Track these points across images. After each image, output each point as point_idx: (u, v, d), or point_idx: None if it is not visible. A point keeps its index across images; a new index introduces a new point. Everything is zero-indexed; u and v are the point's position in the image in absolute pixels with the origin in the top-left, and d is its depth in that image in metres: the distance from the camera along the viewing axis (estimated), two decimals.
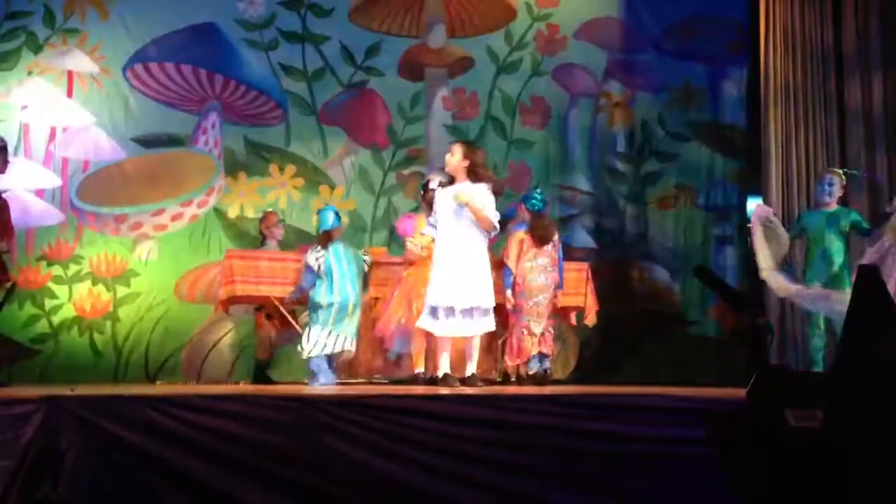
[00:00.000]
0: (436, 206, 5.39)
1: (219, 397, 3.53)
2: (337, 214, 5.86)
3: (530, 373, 5.87)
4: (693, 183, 8.18)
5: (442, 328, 5.19)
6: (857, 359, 2.63)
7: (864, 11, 7.27)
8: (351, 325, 5.61)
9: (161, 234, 7.32)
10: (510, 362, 5.94)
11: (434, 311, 5.18)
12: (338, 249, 5.70)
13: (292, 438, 3.36)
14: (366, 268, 5.89)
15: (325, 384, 5.53)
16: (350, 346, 5.62)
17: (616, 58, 8.29)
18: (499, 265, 5.97)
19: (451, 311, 5.14)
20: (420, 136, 7.94)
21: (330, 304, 5.57)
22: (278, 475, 3.31)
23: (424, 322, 5.24)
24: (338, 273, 5.63)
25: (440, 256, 5.24)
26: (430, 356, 5.66)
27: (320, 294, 5.60)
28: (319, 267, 5.62)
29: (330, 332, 5.57)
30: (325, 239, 5.71)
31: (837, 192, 5.86)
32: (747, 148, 8.04)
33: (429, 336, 5.49)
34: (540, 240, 5.92)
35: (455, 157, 5.31)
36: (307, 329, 5.64)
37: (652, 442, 3.43)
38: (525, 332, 5.81)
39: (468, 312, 5.15)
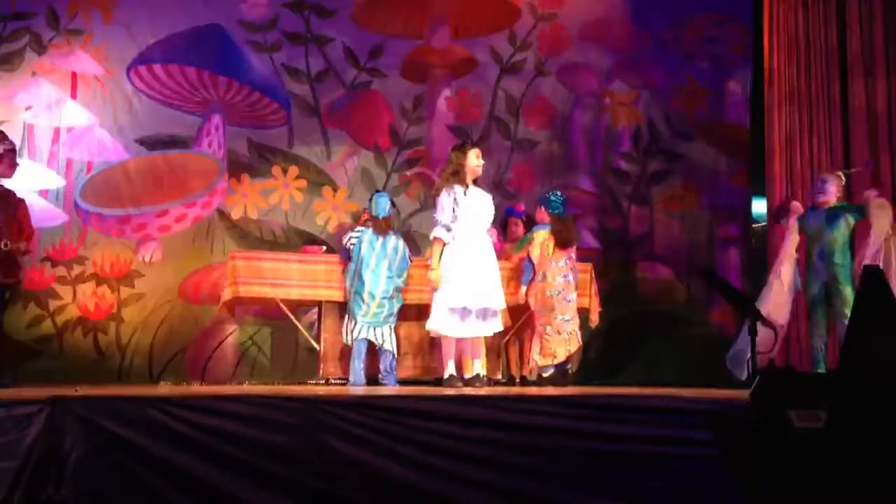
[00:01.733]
0: (444, 205, 5.31)
1: (222, 398, 3.52)
2: (392, 202, 5.92)
3: (545, 375, 5.87)
4: (698, 183, 8.17)
5: (463, 329, 5.20)
6: (861, 360, 2.62)
7: (869, 13, 7.25)
8: (369, 316, 5.61)
9: (165, 236, 7.33)
10: (540, 361, 5.88)
11: (458, 312, 5.17)
12: (375, 238, 5.72)
13: (295, 439, 3.36)
14: (409, 260, 5.88)
15: (353, 382, 5.57)
16: (370, 336, 5.63)
17: (620, 57, 8.28)
18: (517, 265, 6.01)
19: (471, 311, 5.16)
20: (423, 137, 7.94)
21: (349, 290, 5.66)
22: (281, 476, 3.31)
23: (444, 324, 5.22)
24: (373, 262, 5.65)
25: (462, 257, 5.21)
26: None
27: (346, 276, 5.75)
28: (350, 246, 5.74)
29: (347, 320, 5.66)
30: (383, 226, 5.76)
31: (833, 190, 5.82)
32: (752, 148, 8.03)
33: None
34: (565, 242, 5.94)
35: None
36: None
37: (656, 443, 3.43)
38: (558, 332, 5.80)
39: (484, 313, 5.18)
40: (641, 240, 8.13)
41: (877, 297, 2.65)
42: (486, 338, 5.43)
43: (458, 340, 5.32)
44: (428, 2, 8.07)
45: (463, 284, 5.14)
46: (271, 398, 3.50)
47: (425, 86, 8.02)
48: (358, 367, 5.62)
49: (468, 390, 4.79)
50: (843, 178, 5.94)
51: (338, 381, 5.93)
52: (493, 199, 5.63)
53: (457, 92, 8.05)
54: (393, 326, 5.75)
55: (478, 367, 5.35)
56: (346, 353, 5.83)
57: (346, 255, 5.85)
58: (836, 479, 2.60)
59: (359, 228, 5.90)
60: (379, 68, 7.89)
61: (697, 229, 8.12)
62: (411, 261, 5.92)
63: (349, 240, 5.80)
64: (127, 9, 7.43)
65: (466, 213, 5.28)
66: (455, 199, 5.27)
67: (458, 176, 5.32)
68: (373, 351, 5.77)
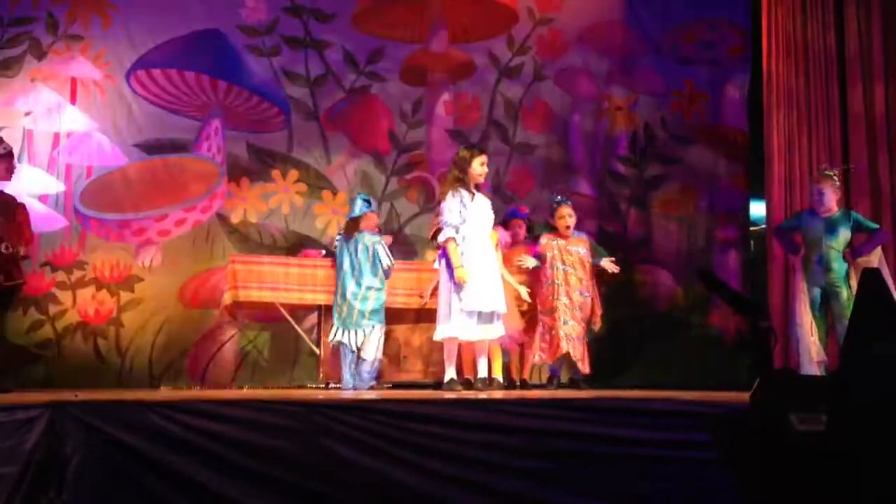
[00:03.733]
0: (452, 206, 5.29)
1: (222, 402, 3.53)
2: (367, 201, 5.95)
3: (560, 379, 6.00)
4: (696, 186, 8.18)
5: (475, 332, 5.22)
6: (861, 361, 2.62)
7: (866, 15, 7.25)
8: (342, 318, 5.66)
9: (164, 240, 7.33)
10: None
11: (473, 316, 5.19)
12: (353, 240, 5.77)
13: (295, 443, 3.36)
14: (383, 259, 5.79)
15: (342, 386, 5.59)
16: (345, 339, 5.65)
17: (618, 62, 8.29)
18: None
19: (482, 314, 5.20)
20: (422, 141, 7.95)
21: (335, 293, 5.74)
22: (281, 479, 3.31)
23: (462, 327, 5.24)
24: (346, 264, 5.70)
25: (468, 262, 5.21)
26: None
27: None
28: (334, 250, 5.87)
29: (332, 324, 5.72)
30: (351, 227, 5.83)
31: (831, 196, 5.81)
32: (750, 151, 8.04)
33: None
34: None
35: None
36: None
37: (656, 445, 3.43)
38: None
39: (491, 316, 5.22)
40: (640, 243, 8.14)
41: (876, 298, 2.65)
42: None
43: (474, 343, 5.34)
44: (426, 6, 8.08)
45: (473, 288, 5.16)
46: (271, 402, 3.50)
47: (424, 90, 8.03)
48: (346, 371, 5.65)
49: (468, 394, 4.79)
50: (836, 179, 5.94)
51: (338, 385, 5.94)
52: (492, 203, 5.64)
53: (455, 96, 8.07)
54: (375, 329, 5.71)
55: (497, 368, 5.51)
56: None
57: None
58: (837, 482, 2.60)
59: (340, 233, 5.99)
60: (378, 72, 7.91)
61: (696, 232, 8.13)
62: (392, 260, 5.87)
63: (334, 245, 5.91)
64: (126, 14, 7.43)
65: (471, 217, 5.30)
66: (462, 202, 5.28)
67: (462, 181, 5.33)
68: None
